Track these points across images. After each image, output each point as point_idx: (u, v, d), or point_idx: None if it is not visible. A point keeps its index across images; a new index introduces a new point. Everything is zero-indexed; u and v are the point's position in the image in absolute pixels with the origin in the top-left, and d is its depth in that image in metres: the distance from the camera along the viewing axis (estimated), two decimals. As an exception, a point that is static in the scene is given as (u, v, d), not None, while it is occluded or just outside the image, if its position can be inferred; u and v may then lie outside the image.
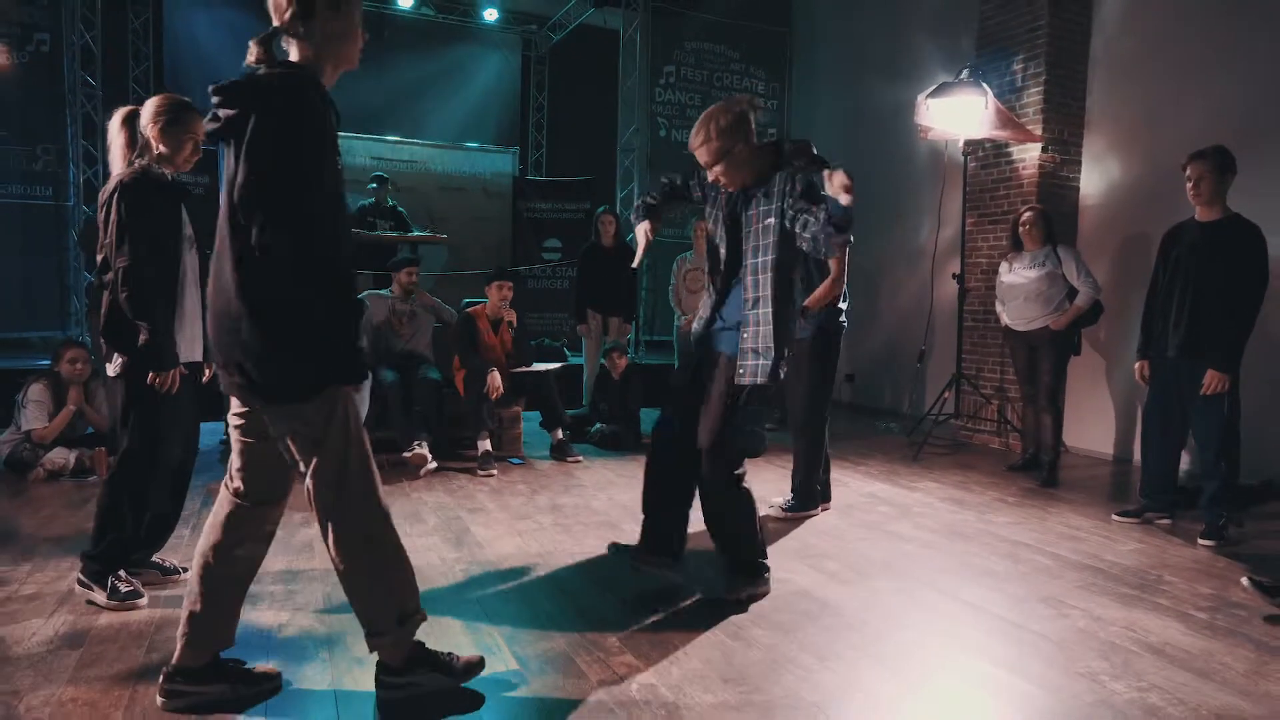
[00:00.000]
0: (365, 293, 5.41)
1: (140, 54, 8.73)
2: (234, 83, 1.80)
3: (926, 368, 6.80)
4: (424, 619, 2.07)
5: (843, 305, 3.89)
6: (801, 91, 8.80)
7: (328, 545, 1.96)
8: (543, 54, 10.89)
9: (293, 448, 1.91)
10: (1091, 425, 5.73)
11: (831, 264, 3.73)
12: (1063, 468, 5.03)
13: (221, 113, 1.79)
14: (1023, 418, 5.35)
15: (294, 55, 1.88)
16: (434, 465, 4.65)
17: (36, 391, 4.32)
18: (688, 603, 2.80)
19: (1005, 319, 5.13)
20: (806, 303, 3.67)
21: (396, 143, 9.35)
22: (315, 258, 1.79)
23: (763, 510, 3.92)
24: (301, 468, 1.92)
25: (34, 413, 4.29)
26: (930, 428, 5.75)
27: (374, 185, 7.70)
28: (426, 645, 2.09)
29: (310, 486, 1.92)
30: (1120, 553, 3.44)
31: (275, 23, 1.84)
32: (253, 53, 1.82)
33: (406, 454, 4.64)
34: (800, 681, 2.21)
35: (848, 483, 4.70)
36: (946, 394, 5.81)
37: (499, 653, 2.35)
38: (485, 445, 4.81)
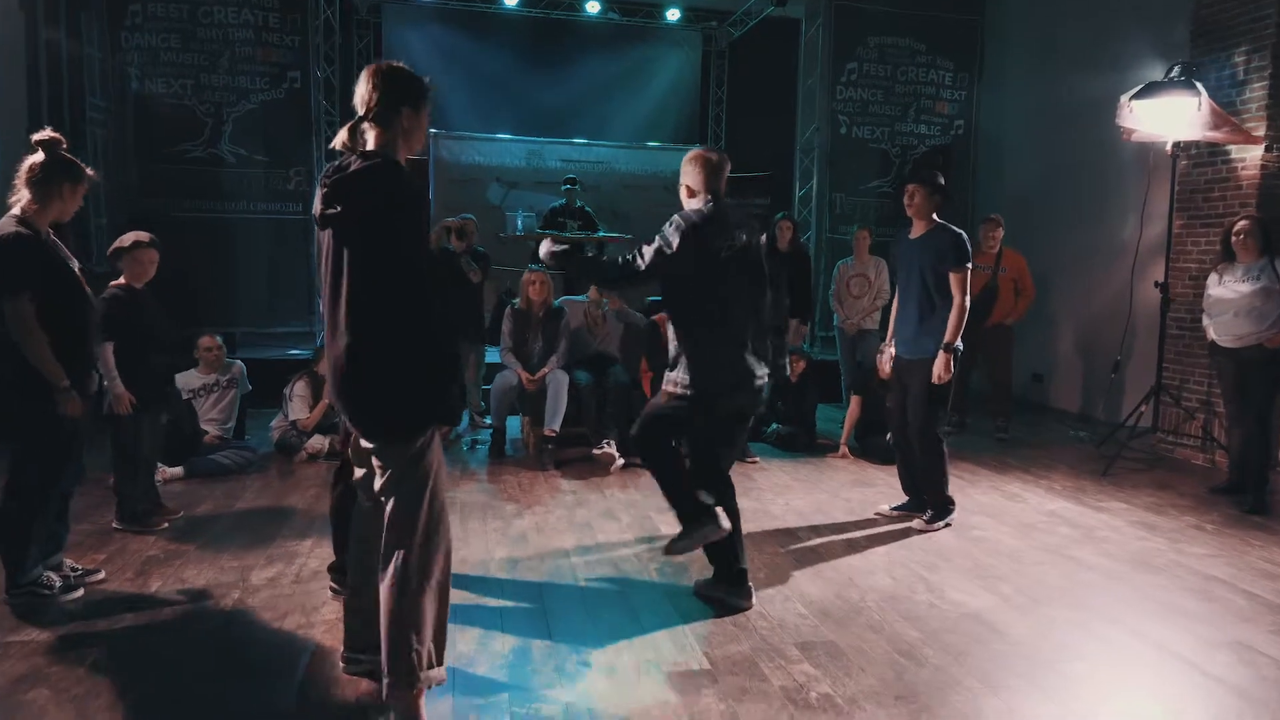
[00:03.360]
0: (562, 298, 5.95)
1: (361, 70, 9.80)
2: (336, 180, 2.08)
3: (1126, 373, 6.48)
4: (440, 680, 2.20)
5: None
6: (991, 82, 8.47)
7: (384, 576, 2.13)
8: (722, 49, 11.07)
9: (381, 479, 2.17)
10: (1315, 445, 5.29)
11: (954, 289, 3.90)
12: (1275, 492, 4.73)
13: (334, 206, 2.07)
14: (1229, 438, 5.05)
15: (371, 141, 2.15)
16: (622, 462, 5.09)
17: (300, 388, 5.15)
18: (861, 617, 3.02)
19: (1212, 334, 4.85)
20: (946, 338, 3.88)
21: (584, 145, 9.92)
22: (419, 316, 2.08)
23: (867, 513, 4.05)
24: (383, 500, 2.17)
25: (298, 405, 5.13)
26: (1125, 440, 5.53)
27: (566, 187, 8.26)
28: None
29: (387, 518, 2.16)
30: (1329, 598, 3.29)
31: (360, 112, 2.14)
32: (339, 139, 2.17)
33: (596, 451, 5.12)
34: (966, 704, 2.40)
35: (1027, 499, 4.68)
36: (1144, 407, 5.55)
37: (692, 652, 2.70)
38: (669, 445, 5.19)
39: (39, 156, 2.86)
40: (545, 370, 5.33)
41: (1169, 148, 5.44)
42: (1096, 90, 6.82)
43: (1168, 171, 5.71)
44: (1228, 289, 4.70)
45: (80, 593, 3.01)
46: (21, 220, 2.83)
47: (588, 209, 8.34)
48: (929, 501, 4.16)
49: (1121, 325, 6.16)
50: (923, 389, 3.99)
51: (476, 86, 10.19)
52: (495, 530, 3.91)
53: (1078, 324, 7.35)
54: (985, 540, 3.95)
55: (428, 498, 2.16)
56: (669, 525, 3.98)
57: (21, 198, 2.86)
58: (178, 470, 4.52)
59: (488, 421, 5.83)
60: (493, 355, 6.24)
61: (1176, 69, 5.22)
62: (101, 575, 3.15)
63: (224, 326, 6.23)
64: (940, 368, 3.90)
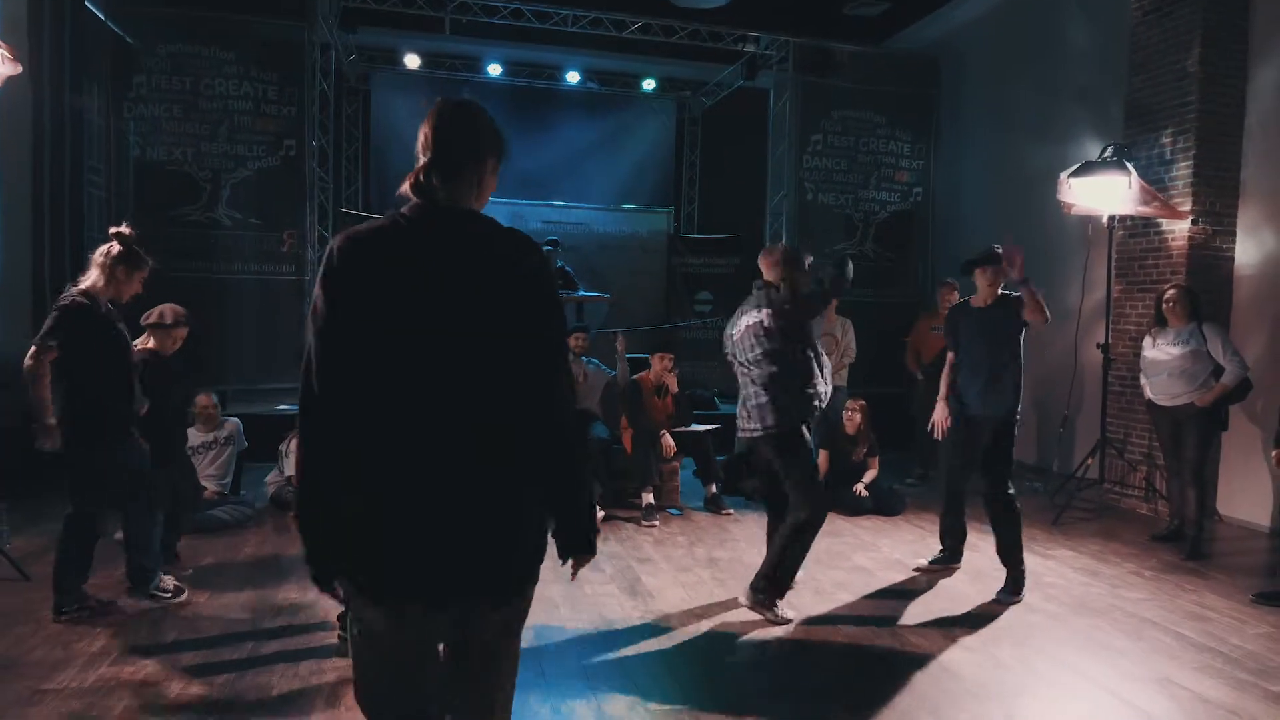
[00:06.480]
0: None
1: (351, 136, 10.24)
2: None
3: (1075, 428, 6.89)
4: None
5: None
6: (946, 153, 9.04)
7: None
8: (695, 116, 11.64)
9: None
10: (1248, 495, 5.69)
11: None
12: (1214, 539, 5.12)
13: None
14: (1168, 489, 5.44)
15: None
16: (602, 514, 5.36)
17: (296, 444, 5.39)
18: (839, 669, 3.30)
19: (1149, 393, 5.27)
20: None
21: (564, 207, 10.37)
22: None
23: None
24: None
25: (294, 461, 5.35)
26: (1074, 491, 5.90)
27: (548, 248, 8.66)
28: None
29: None
30: (1247, 636, 3.63)
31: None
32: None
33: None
34: (921, 736, 2.68)
35: (984, 548, 4.99)
36: (1090, 460, 5.95)
37: (675, 691, 2.96)
38: (649, 498, 5.49)
39: (114, 245, 3.46)
40: (530, 427, 5.61)
41: (1105, 220, 5.93)
42: (1044, 161, 7.36)
43: (1105, 242, 6.20)
44: (1161, 351, 5.13)
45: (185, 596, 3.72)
46: (84, 293, 3.40)
47: (568, 268, 8.72)
48: (1012, 573, 4.12)
49: (1069, 383, 6.59)
50: (1003, 446, 4.16)
51: (460, 150, 10.62)
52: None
53: (1031, 382, 7.69)
54: (941, 585, 4.26)
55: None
56: (649, 575, 4.27)
57: (90, 275, 3.43)
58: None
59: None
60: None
61: (1109, 150, 5.74)
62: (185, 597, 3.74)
63: (218, 383, 6.46)
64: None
